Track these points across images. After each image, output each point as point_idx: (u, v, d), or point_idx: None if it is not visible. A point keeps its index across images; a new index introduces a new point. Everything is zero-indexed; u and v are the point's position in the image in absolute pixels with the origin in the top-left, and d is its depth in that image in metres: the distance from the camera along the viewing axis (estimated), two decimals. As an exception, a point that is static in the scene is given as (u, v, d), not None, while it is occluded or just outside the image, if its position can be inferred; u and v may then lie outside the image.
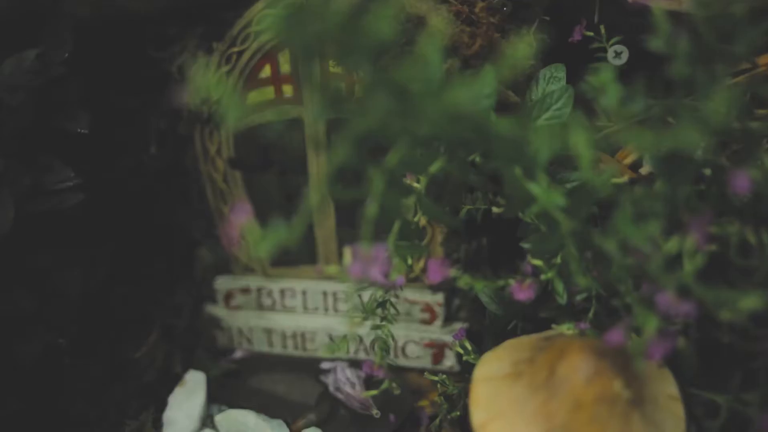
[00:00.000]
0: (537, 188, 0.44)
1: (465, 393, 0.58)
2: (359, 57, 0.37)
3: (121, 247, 0.69)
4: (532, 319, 0.57)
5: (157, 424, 0.64)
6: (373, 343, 0.54)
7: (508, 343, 0.51)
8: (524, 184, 0.44)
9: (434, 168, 0.48)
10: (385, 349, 0.50)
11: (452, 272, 0.46)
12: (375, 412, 0.62)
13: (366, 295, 0.53)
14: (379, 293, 0.51)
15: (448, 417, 0.58)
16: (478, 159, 0.48)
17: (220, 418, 0.64)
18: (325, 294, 0.70)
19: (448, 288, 0.67)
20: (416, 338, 0.68)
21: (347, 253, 0.49)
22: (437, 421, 0.59)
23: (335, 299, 0.70)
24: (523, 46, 0.38)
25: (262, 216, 0.72)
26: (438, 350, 0.67)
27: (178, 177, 0.70)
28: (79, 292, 0.61)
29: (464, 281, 0.47)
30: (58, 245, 0.60)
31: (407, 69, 0.37)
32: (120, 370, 0.67)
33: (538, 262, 0.49)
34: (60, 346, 0.62)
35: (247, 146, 0.68)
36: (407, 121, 0.39)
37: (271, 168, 0.68)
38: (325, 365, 0.68)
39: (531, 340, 0.50)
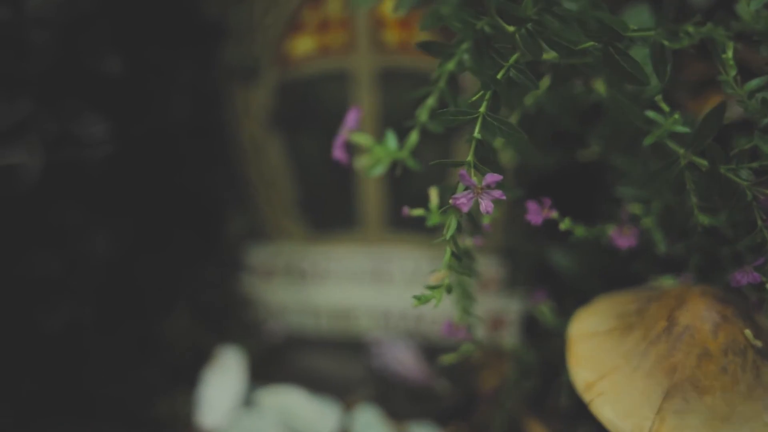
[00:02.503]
0: (656, 114, 0.39)
1: (540, 360, 0.54)
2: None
3: (146, 212, 0.62)
4: (607, 276, 0.53)
5: (190, 402, 0.58)
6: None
7: (602, 299, 0.46)
8: (635, 111, 0.40)
9: (530, 100, 0.44)
10: (468, 305, 0.45)
11: (554, 214, 0.42)
12: (439, 383, 0.57)
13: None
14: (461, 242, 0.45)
15: (520, 388, 0.53)
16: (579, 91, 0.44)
17: (262, 396, 0.58)
18: (369, 265, 0.65)
19: (502, 253, 0.63)
20: (473, 308, 0.63)
21: (434, 193, 0.45)
22: (505, 393, 0.54)
23: (381, 267, 0.65)
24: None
25: (304, 178, 0.68)
26: (495, 319, 0.63)
27: (210, 137, 0.64)
28: (105, 257, 0.55)
29: (566, 224, 0.42)
30: (85, 204, 0.54)
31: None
32: (147, 346, 0.61)
33: (636, 209, 0.45)
34: (84, 319, 0.56)
35: (289, 103, 0.62)
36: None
37: (313, 125, 0.63)
38: (371, 340, 0.63)
39: (630, 294, 0.46)
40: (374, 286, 0.65)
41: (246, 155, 0.64)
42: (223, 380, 0.59)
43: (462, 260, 0.40)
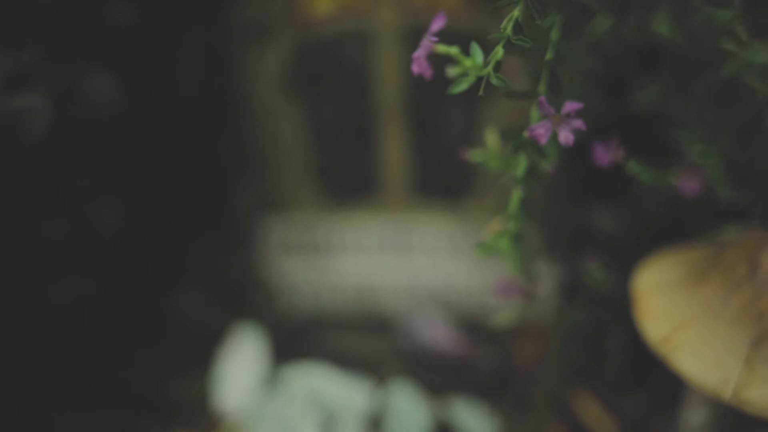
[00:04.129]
0: (732, 44, 0.37)
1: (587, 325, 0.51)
2: None
3: (153, 182, 0.58)
4: (654, 237, 0.51)
5: (206, 384, 0.54)
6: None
7: (664, 253, 0.43)
8: (707, 42, 0.38)
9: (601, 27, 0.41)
10: (527, 259, 0.42)
11: (620, 156, 0.39)
12: (485, 349, 0.54)
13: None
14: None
15: (566, 356, 0.50)
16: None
17: (284, 375, 0.54)
18: (392, 236, 0.61)
19: (539, 216, 0.60)
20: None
21: (490, 135, 0.41)
22: (548, 362, 0.51)
23: (405, 236, 0.61)
24: None
25: (322, 146, 0.64)
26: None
27: (222, 101, 0.60)
28: (112, 228, 0.51)
29: (632, 167, 0.40)
30: (93, 169, 0.49)
31: None
32: (156, 325, 0.56)
33: (697, 156, 0.43)
34: (90, 296, 0.51)
35: (306, 65, 0.58)
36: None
37: (333, 89, 0.59)
38: (401, 313, 0.59)
39: (693, 246, 0.43)
40: (397, 257, 0.62)
41: (259, 121, 0.60)
42: (240, 359, 0.55)
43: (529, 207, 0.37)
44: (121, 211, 0.52)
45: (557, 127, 0.33)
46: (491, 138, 0.39)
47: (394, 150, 0.60)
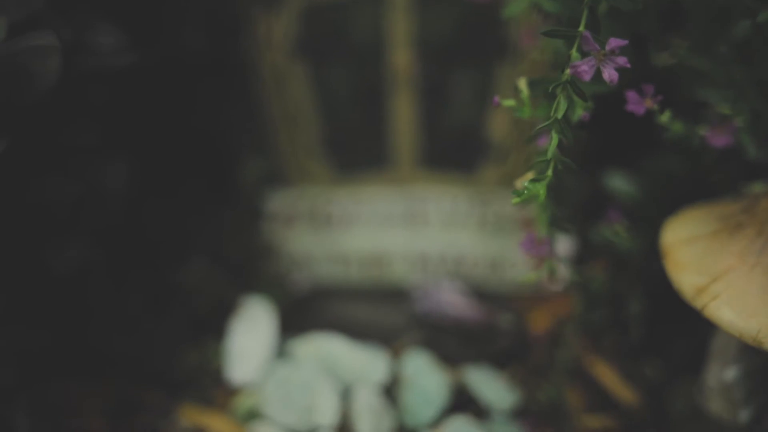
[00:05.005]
0: None
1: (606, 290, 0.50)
2: None
3: (157, 151, 0.56)
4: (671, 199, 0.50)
5: (217, 356, 0.52)
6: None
7: (691, 209, 0.43)
8: None
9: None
10: (557, 213, 0.41)
11: (652, 105, 0.38)
12: (503, 318, 0.53)
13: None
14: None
15: (586, 322, 0.49)
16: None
17: (298, 347, 0.52)
18: (402, 207, 0.60)
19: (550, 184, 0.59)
20: (516, 250, 0.59)
21: (523, 83, 0.40)
22: (568, 329, 0.51)
23: (416, 208, 0.60)
24: None
25: (328, 112, 0.63)
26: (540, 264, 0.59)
27: (227, 68, 0.58)
28: (119, 192, 0.49)
29: (665, 117, 0.39)
30: (101, 127, 0.47)
31: None
32: (163, 297, 0.54)
33: (725, 110, 0.42)
34: (96, 264, 0.49)
35: (315, 30, 0.57)
36: None
37: (341, 56, 0.58)
38: (415, 284, 0.58)
39: (722, 201, 0.43)
40: (408, 229, 0.60)
41: (266, 89, 0.58)
42: (251, 332, 0.53)
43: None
44: (126, 175, 0.50)
45: (601, 64, 0.32)
46: (522, 84, 0.38)
47: (404, 119, 0.58)
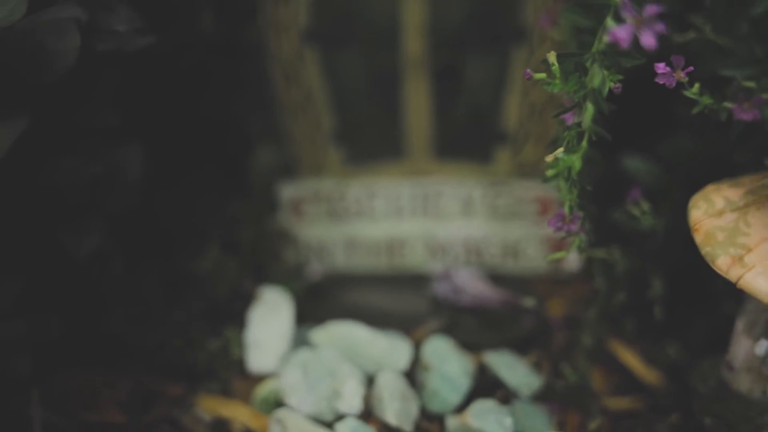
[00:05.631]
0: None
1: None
2: None
3: (170, 140, 0.55)
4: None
5: (237, 346, 0.51)
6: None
7: (719, 184, 0.43)
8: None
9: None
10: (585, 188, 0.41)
11: (683, 77, 0.38)
12: (528, 301, 0.52)
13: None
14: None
15: (610, 303, 0.49)
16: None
17: (318, 335, 0.51)
18: (417, 194, 0.60)
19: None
20: (533, 235, 0.58)
21: (552, 56, 0.40)
22: (591, 312, 0.50)
23: (430, 198, 0.60)
24: None
25: (341, 100, 0.62)
26: (559, 249, 0.59)
27: (239, 56, 0.57)
28: (137, 174, 0.48)
29: (695, 90, 0.39)
30: (116, 110, 0.46)
31: None
32: (180, 285, 0.53)
33: (750, 84, 0.43)
34: (113, 252, 0.48)
35: (326, 15, 0.57)
36: None
37: (354, 42, 0.57)
38: (435, 271, 0.57)
39: (749, 176, 0.43)
40: (423, 219, 0.60)
41: (279, 78, 0.58)
42: (270, 321, 0.52)
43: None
44: (142, 158, 0.49)
45: (639, 31, 0.32)
46: (552, 57, 0.38)
47: (418, 107, 0.58)
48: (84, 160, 0.43)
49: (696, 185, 0.48)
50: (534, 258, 0.59)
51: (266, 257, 0.57)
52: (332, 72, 0.58)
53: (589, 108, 0.35)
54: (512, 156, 0.59)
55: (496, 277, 0.57)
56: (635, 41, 0.34)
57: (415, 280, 0.58)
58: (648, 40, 0.32)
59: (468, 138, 0.59)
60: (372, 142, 0.60)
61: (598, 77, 0.34)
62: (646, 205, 0.47)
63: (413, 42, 0.56)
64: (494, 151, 0.59)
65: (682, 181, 0.49)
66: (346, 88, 0.58)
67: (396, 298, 0.56)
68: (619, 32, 0.32)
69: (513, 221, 0.59)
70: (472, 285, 0.54)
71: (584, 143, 0.35)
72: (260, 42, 0.57)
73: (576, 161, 0.35)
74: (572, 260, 0.59)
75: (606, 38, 0.33)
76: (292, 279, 0.56)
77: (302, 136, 0.59)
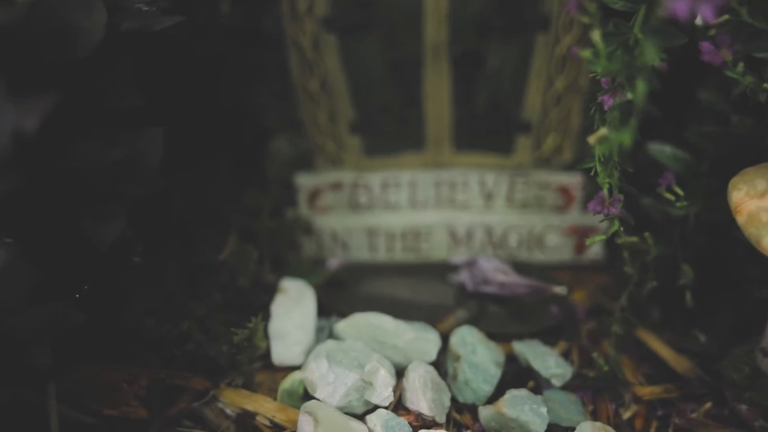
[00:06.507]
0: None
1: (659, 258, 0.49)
2: None
3: (182, 129, 0.53)
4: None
5: (262, 338, 0.49)
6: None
7: (759, 167, 0.42)
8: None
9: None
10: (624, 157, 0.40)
11: (729, 55, 0.38)
12: (559, 288, 0.51)
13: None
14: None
15: (648, 287, 0.48)
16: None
17: (343, 327, 0.50)
18: (438, 182, 0.59)
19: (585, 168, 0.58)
20: (555, 224, 0.58)
21: (596, 35, 0.39)
22: (624, 299, 0.49)
23: (451, 188, 0.59)
24: None
25: (360, 89, 0.61)
26: (581, 238, 0.58)
27: (254, 44, 0.56)
28: (157, 157, 0.46)
29: (739, 69, 0.39)
30: (140, 91, 0.45)
31: None
32: (199, 277, 0.51)
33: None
34: (134, 241, 0.47)
35: (345, 1, 0.56)
36: None
37: (374, 29, 0.56)
38: (456, 260, 0.56)
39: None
40: (444, 209, 0.59)
41: (297, 66, 0.56)
42: (293, 312, 0.51)
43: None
44: (161, 145, 0.47)
45: (697, 3, 0.32)
46: (596, 36, 0.38)
47: (439, 96, 0.57)
48: (107, 143, 0.42)
49: (724, 170, 0.48)
50: (556, 247, 0.58)
51: (284, 248, 0.56)
52: (351, 60, 0.57)
53: (641, 84, 0.34)
54: (534, 145, 0.58)
55: (518, 267, 0.57)
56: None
57: (437, 271, 0.57)
58: (707, 13, 0.32)
59: (490, 127, 0.59)
60: (392, 131, 0.59)
61: (651, 52, 0.33)
62: (679, 190, 0.46)
63: (435, 29, 0.55)
64: (516, 141, 0.58)
65: (711, 167, 0.49)
66: (366, 76, 0.57)
67: (419, 289, 0.55)
68: (677, 5, 0.32)
69: (535, 211, 0.59)
70: (499, 274, 0.53)
71: (634, 120, 0.35)
72: (279, 30, 0.56)
73: (626, 137, 0.34)
74: (596, 247, 0.58)
75: (660, 12, 0.32)
76: (311, 270, 0.55)
77: (320, 126, 0.58)
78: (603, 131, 0.38)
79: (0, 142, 0.31)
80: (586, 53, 0.37)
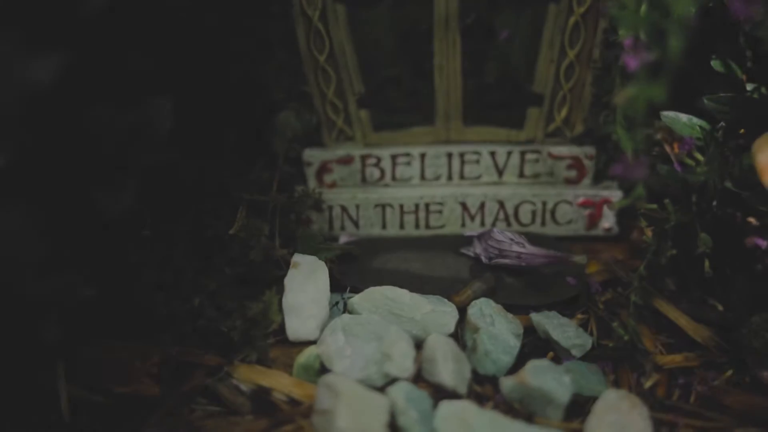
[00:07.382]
0: None
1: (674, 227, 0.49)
2: None
3: (190, 99, 0.52)
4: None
5: (276, 312, 0.48)
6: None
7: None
8: None
9: None
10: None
11: (759, 11, 0.37)
12: (579, 257, 0.51)
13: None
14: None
15: (666, 255, 0.48)
16: None
17: (358, 301, 0.49)
18: (449, 156, 0.58)
19: (596, 140, 0.58)
20: (569, 198, 0.57)
21: None
22: (642, 268, 0.49)
23: (462, 161, 0.58)
24: None
25: (369, 62, 0.60)
26: (594, 210, 0.57)
27: (263, 15, 0.55)
28: (166, 125, 0.45)
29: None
30: (151, 57, 0.43)
31: None
32: (209, 254, 0.50)
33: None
34: (143, 215, 0.45)
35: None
36: None
37: (384, 3, 0.55)
38: (470, 233, 0.56)
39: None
40: (456, 183, 0.58)
41: (306, 38, 0.55)
42: (310, 287, 0.50)
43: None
44: (170, 112, 0.46)
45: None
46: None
47: (450, 66, 0.56)
48: (117, 108, 0.40)
49: (741, 136, 0.48)
50: (569, 220, 0.58)
51: (294, 223, 0.55)
52: (361, 31, 0.56)
53: (674, 39, 0.33)
54: (546, 118, 0.57)
55: (531, 239, 0.56)
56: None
57: (450, 244, 0.56)
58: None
59: (501, 100, 0.58)
60: (401, 104, 0.58)
61: (684, 2, 0.33)
62: (700, 156, 0.46)
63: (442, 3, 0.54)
64: (527, 114, 0.58)
65: (725, 134, 0.49)
66: (375, 48, 0.56)
67: (432, 263, 0.54)
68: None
69: (547, 183, 0.58)
70: (516, 245, 0.52)
71: (667, 73, 0.34)
72: (287, 0, 0.55)
73: (659, 92, 0.34)
74: (609, 219, 0.58)
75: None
76: (322, 246, 0.53)
77: (329, 100, 0.57)
78: (630, 90, 0.37)
79: (15, 93, 0.30)
80: (613, 9, 0.37)
